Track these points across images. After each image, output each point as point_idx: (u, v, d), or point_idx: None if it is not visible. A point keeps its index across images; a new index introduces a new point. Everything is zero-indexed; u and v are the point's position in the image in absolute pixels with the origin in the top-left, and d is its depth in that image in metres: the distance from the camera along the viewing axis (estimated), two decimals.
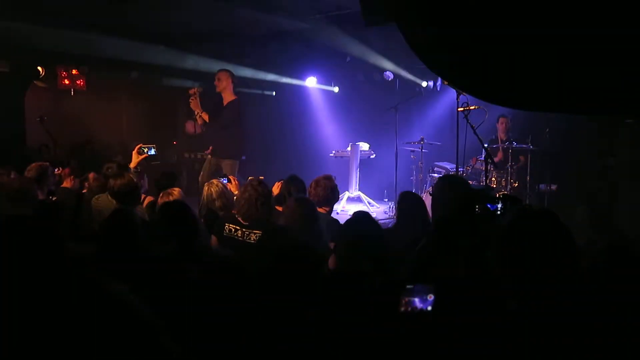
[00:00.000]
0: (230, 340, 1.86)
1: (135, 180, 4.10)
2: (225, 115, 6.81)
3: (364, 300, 2.02)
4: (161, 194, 4.17)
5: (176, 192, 4.12)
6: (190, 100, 6.89)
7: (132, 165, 5.11)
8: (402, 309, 1.52)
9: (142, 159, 5.18)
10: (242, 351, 1.83)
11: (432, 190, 3.46)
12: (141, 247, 2.85)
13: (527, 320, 1.66)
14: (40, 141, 7.06)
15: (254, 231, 3.79)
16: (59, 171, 5.25)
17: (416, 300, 1.54)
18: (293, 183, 4.63)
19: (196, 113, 6.89)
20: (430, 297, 1.49)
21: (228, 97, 6.89)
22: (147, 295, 1.63)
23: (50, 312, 1.47)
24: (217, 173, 6.42)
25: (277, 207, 4.32)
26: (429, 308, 1.49)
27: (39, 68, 7.58)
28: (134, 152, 5.18)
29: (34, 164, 4.78)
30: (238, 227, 3.85)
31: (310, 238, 3.33)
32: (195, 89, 7.00)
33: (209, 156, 6.99)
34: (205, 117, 6.86)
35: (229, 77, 6.87)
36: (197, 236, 3.12)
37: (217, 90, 6.91)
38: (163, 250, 2.91)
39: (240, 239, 3.81)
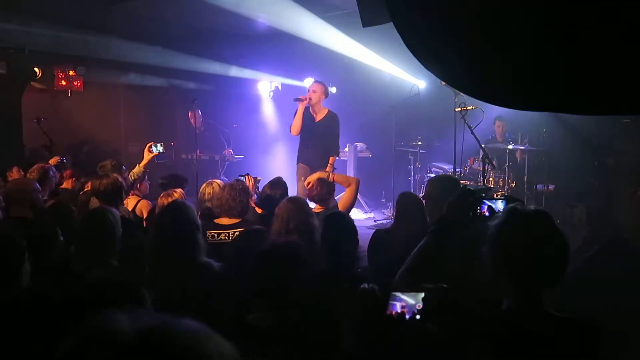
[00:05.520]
0: None
1: (120, 180, 4.00)
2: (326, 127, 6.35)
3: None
4: (162, 195, 4.12)
5: (177, 193, 4.05)
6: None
7: (142, 164, 5.04)
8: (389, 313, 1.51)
9: (152, 158, 5.10)
10: None
11: (426, 191, 3.45)
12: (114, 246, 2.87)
13: (519, 320, 1.67)
14: (38, 142, 7.03)
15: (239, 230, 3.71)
16: (59, 176, 5.21)
17: (401, 306, 1.53)
18: (276, 186, 4.53)
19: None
20: (418, 306, 1.49)
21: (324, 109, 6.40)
22: None
23: None
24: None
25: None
26: (417, 316, 1.49)
27: (36, 69, 7.55)
28: (145, 150, 5.09)
29: (36, 166, 4.74)
30: (221, 231, 3.76)
31: (305, 238, 3.32)
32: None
33: (300, 164, 6.45)
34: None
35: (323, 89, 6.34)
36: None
37: (312, 102, 6.25)
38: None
39: (225, 240, 3.71)
